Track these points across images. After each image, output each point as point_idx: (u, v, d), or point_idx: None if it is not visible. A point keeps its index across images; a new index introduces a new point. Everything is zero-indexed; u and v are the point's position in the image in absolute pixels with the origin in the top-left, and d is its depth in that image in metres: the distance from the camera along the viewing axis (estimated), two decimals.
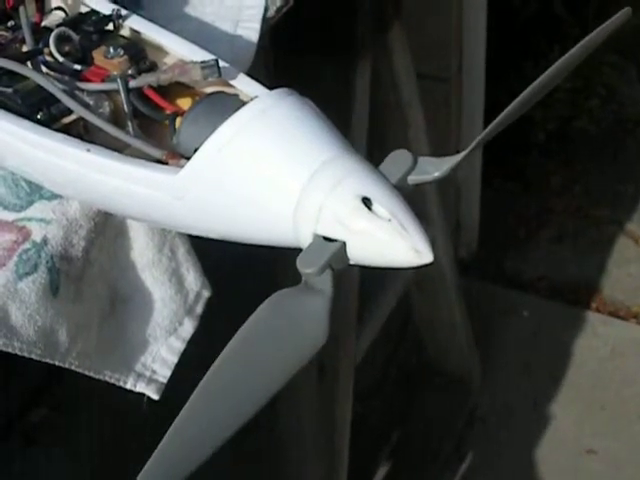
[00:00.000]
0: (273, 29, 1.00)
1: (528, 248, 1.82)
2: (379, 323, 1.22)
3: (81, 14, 0.63)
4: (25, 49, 0.60)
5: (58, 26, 0.61)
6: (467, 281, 1.69)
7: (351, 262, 0.44)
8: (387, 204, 0.43)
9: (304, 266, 0.42)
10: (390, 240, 0.42)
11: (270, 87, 0.53)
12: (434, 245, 1.05)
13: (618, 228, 1.82)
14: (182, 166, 0.47)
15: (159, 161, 0.50)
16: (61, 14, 0.64)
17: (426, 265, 0.42)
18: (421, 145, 1.18)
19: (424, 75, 1.49)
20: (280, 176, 0.44)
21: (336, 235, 0.43)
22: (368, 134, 1.07)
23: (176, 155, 0.49)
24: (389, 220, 0.43)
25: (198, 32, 0.72)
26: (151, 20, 0.71)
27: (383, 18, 1.01)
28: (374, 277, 1.20)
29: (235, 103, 0.49)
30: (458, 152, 1.39)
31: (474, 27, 1.52)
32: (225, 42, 0.71)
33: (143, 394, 0.67)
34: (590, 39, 0.51)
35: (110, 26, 0.61)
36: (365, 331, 1.19)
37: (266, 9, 0.74)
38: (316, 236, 0.43)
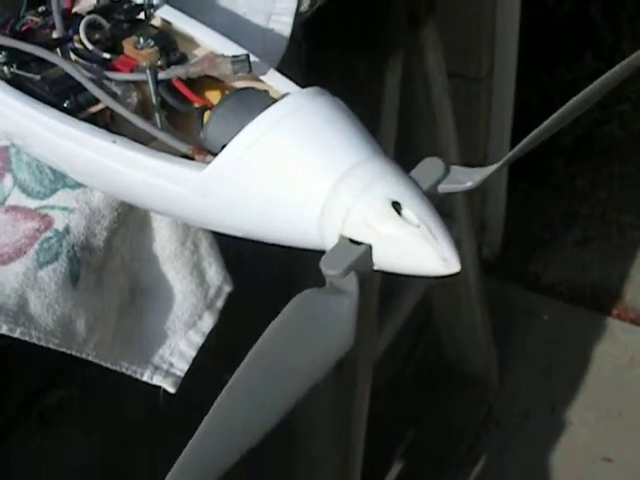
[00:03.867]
0: (306, 23, 1.00)
1: (552, 251, 1.80)
2: (399, 321, 1.21)
3: (112, 2, 0.62)
4: (55, 35, 0.60)
5: (89, 13, 0.60)
6: (489, 282, 1.68)
7: (376, 267, 0.43)
8: (417, 210, 0.42)
9: (328, 267, 0.41)
10: (418, 246, 0.41)
11: (300, 84, 0.53)
12: (460, 247, 1.04)
13: None
14: (208, 162, 0.46)
15: (185, 156, 0.49)
16: (92, 1, 0.64)
17: (452, 275, 0.41)
18: (450, 145, 1.17)
19: (454, 74, 1.48)
20: (308, 177, 0.44)
21: (363, 238, 0.42)
22: (397, 131, 1.06)
23: (203, 151, 0.48)
24: (418, 226, 0.42)
25: (229, 24, 0.72)
26: (182, 10, 0.70)
27: (416, 16, 1.00)
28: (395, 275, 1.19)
29: (265, 100, 0.48)
30: (487, 155, 1.39)
31: (507, 27, 1.50)
32: (256, 35, 0.71)
33: (159, 387, 0.67)
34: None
35: (141, 15, 0.60)
36: (385, 329, 1.18)
37: (299, 3, 0.73)
38: (342, 238, 0.43)
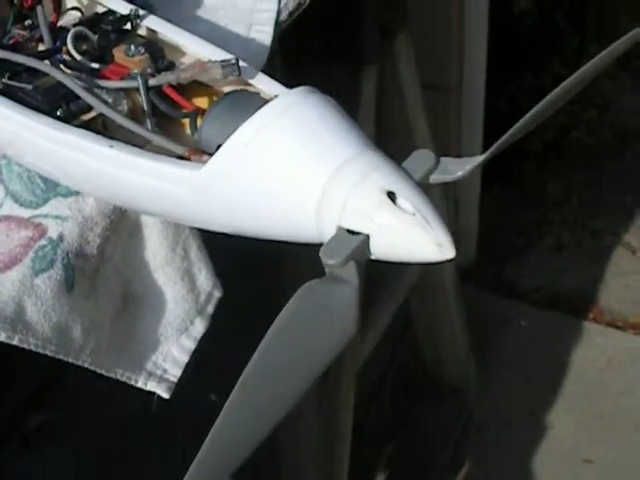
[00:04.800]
0: (281, 33, 1.01)
1: (526, 258, 1.82)
2: (381, 329, 1.22)
3: (98, 14, 0.63)
4: (42, 48, 0.61)
5: (75, 25, 0.61)
6: (465, 290, 1.69)
7: (373, 256, 0.44)
8: (412, 199, 0.43)
9: (327, 257, 0.43)
10: (414, 234, 0.43)
11: (288, 86, 0.54)
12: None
13: (615, 239, 1.83)
14: (204, 162, 0.48)
15: (181, 157, 0.50)
16: (77, 14, 0.65)
17: (448, 261, 0.43)
18: None
19: (425, 85, 1.50)
20: (304, 172, 0.45)
21: (360, 228, 0.43)
22: (374, 139, 1.08)
23: (198, 151, 0.49)
24: (413, 214, 0.43)
25: (210, 35, 0.72)
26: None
27: (390, 27, 1.02)
28: (375, 283, 1.21)
29: (258, 101, 0.49)
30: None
31: (475, 37, 1.53)
32: (238, 45, 0.72)
33: (153, 393, 0.67)
34: (604, 55, 0.51)
35: (128, 25, 0.61)
36: (367, 337, 1.19)
37: (279, 13, 0.74)
38: (339, 228, 0.44)
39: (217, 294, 0.70)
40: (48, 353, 0.59)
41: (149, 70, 0.57)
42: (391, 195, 0.44)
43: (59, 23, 0.64)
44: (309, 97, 0.48)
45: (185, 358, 0.68)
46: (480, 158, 0.45)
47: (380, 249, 0.44)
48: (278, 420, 0.40)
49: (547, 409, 1.59)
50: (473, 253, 1.76)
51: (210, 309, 0.70)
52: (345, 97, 1.00)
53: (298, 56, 0.99)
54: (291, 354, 0.41)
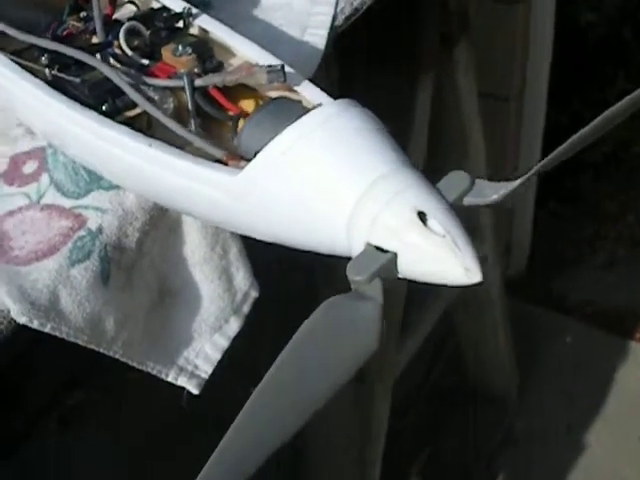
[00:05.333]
0: (340, 36, 1.01)
1: (578, 273, 1.80)
2: (420, 338, 1.22)
3: (152, 9, 0.64)
4: (95, 41, 0.61)
5: (129, 20, 0.62)
6: (513, 301, 1.68)
7: (400, 275, 0.44)
8: (442, 220, 0.43)
9: (354, 273, 0.43)
10: (442, 256, 0.42)
11: (333, 96, 0.54)
12: (485, 264, 1.04)
13: None
14: (242, 168, 0.48)
15: (219, 161, 0.50)
16: (133, 8, 0.65)
17: (474, 285, 0.42)
18: (479, 162, 1.18)
19: (485, 93, 1.49)
20: (338, 185, 0.45)
21: (389, 246, 0.43)
22: (427, 147, 1.07)
23: (236, 156, 0.49)
24: (443, 236, 0.43)
25: (265, 35, 0.73)
26: (220, 20, 0.72)
27: (450, 35, 1.01)
28: (417, 293, 1.20)
29: (298, 110, 0.49)
30: (516, 174, 1.39)
31: (540, 47, 1.51)
32: (291, 47, 0.72)
33: (183, 388, 0.68)
34: None
35: (180, 24, 0.62)
36: (406, 345, 1.19)
37: (335, 17, 0.74)
38: (368, 245, 0.44)
39: (254, 294, 0.70)
40: (80, 342, 0.59)
41: (196, 70, 0.57)
42: (422, 215, 0.43)
43: (114, 16, 0.65)
44: (349, 110, 0.47)
45: (218, 356, 0.69)
46: (516, 183, 0.45)
47: (407, 268, 0.44)
48: (293, 432, 0.40)
49: (585, 427, 1.57)
50: (524, 265, 1.75)
51: (246, 309, 0.70)
52: (400, 104, 1.00)
53: (353, 61, 0.99)
54: (309, 368, 0.41)
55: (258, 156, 0.47)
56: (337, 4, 0.75)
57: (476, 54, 1.43)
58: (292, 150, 0.46)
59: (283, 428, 0.40)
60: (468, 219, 1.21)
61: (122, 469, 1.46)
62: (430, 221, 0.43)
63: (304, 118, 0.46)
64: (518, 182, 0.45)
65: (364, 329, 0.42)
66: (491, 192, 0.45)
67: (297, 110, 0.49)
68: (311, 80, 0.70)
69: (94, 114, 0.54)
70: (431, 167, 1.07)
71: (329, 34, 0.73)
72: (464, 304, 1.42)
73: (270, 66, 0.53)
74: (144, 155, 0.51)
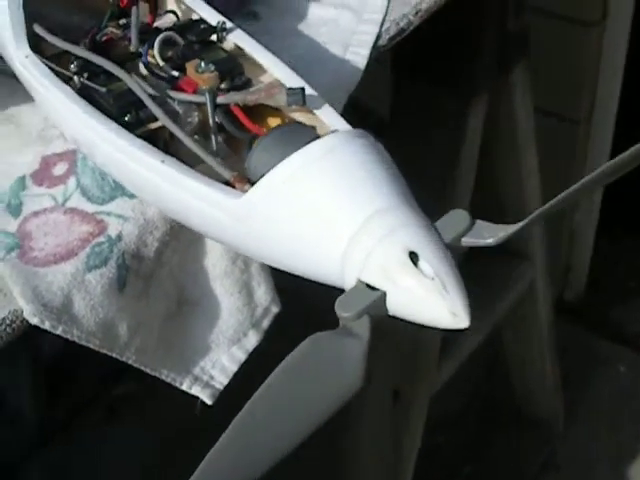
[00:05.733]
0: (396, 55, 1.01)
1: (637, 303, 1.77)
2: (462, 357, 1.21)
3: (191, 21, 0.64)
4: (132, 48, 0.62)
5: (166, 30, 0.62)
6: (568, 325, 1.66)
7: (390, 313, 0.44)
8: (433, 262, 0.42)
9: (342, 309, 0.42)
10: (429, 299, 0.42)
11: (355, 122, 0.54)
12: (533, 288, 1.02)
13: None
14: (246, 191, 0.48)
15: (228, 182, 0.50)
16: (173, 18, 0.66)
17: (461, 330, 0.42)
18: (533, 188, 1.16)
19: (551, 113, 1.47)
20: (334, 217, 0.45)
21: (378, 284, 0.43)
22: (479, 169, 1.06)
23: (244, 179, 0.50)
24: (432, 279, 0.42)
25: (308, 50, 0.73)
26: (267, 31, 0.72)
27: (508, 56, 1.00)
28: None
29: (309, 136, 0.49)
30: (577, 200, 1.35)
31: (611, 71, 1.48)
32: (332, 65, 0.72)
33: (197, 397, 0.68)
34: None
35: (214, 37, 0.62)
36: (445, 366, 1.18)
37: (379, 36, 0.74)
38: (359, 282, 0.43)
39: (275, 309, 0.70)
40: (91, 346, 0.60)
41: (224, 85, 0.57)
42: (414, 255, 0.43)
43: (155, 24, 0.65)
44: (355, 141, 0.47)
45: (234, 368, 0.69)
46: (515, 227, 0.44)
47: (396, 308, 0.43)
48: (265, 469, 0.40)
49: (632, 458, 1.54)
50: (582, 290, 1.72)
51: (266, 323, 0.70)
52: (452, 123, 1.00)
53: (410, 77, 0.99)
54: (290, 402, 0.41)
55: (260, 182, 0.47)
56: (383, 24, 0.74)
57: (544, 72, 1.42)
58: (293, 179, 0.46)
59: (255, 464, 0.40)
60: (517, 240, 1.19)
61: (153, 458, 1.47)
62: (421, 262, 0.43)
63: (307, 147, 0.46)
64: (517, 226, 0.44)
65: (348, 367, 0.41)
66: (489, 234, 0.45)
67: (307, 136, 0.49)
68: (350, 99, 0.71)
69: (114, 125, 0.54)
70: (480, 192, 1.07)
71: (371, 54, 0.72)
72: (514, 325, 1.40)
73: (290, 88, 0.53)
74: (157, 170, 0.52)
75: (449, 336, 1.16)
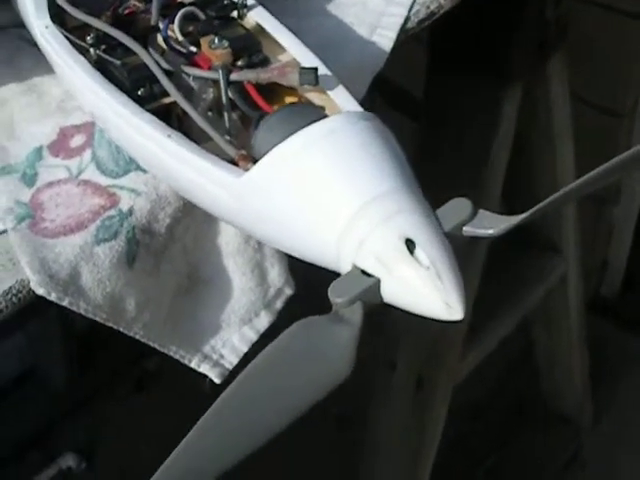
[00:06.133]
0: (433, 39, 1.00)
1: None
2: (485, 352, 1.20)
3: None
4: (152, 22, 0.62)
5: (188, 5, 0.62)
6: (603, 322, 1.64)
7: (385, 301, 0.43)
8: (430, 251, 0.42)
9: (335, 295, 0.42)
10: (423, 289, 0.41)
11: (367, 106, 0.53)
12: (565, 283, 1.01)
13: None
14: (248, 170, 0.47)
15: (233, 160, 0.50)
16: None
17: (454, 322, 0.41)
18: (568, 179, 1.14)
19: (593, 104, 1.45)
20: (331, 201, 0.44)
21: (373, 271, 0.42)
22: (514, 159, 1.05)
23: (248, 157, 0.49)
24: (427, 268, 0.41)
25: (335, 30, 0.72)
26: (295, 10, 0.72)
27: (547, 46, 0.98)
28: (489, 302, 1.18)
29: (315, 116, 0.48)
30: (618, 191, 1.34)
31: None
32: (358, 45, 0.71)
33: (205, 376, 0.68)
34: None
35: (234, 14, 0.61)
36: (468, 357, 1.17)
37: (407, 19, 0.73)
38: (354, 267, 0.43)
39: (288, 291, 0.70)
40: (98, 319, 0.60)
41: (240, 63, 0.57)
42: (410, 243, 0.42)
43: None
44: (359, 123, 0.46)
45: (244, 348, 0.69)
46: (518, 218, 0.43)
47: (390, 296, 0.42)
48: (246, 453, 0.39)
49: None
50: (617, 287, 1.70)
51: (279, 305, 0.70)
52: (485, 111, 0.98)
53: (445, 63, 0.98)
54: (275, 385, 0.40)
55: (261, 161, 0.46)
56: (412, 7, 0.73)
57: (591, 65, 1.39)
58: (292, 159, 0.45)
59: (236, 447, 0.39)
60: (551, 234, 1.18)
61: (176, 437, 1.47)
62: (417, 250, 0.42)
63: (309, 128, 0.45)
64: (520, 217, 0.43)
65: (337, 353, 0.41)
66: (490, 224, 0.43)
67: (313, 116, 0.48)
68: (374, 80, 0.70)
69: (124, 98, 0.54)
70: (514, 182, 1.06)
71: (398, 36, 0.71)
72: (544, 318, 1.39)
73: (303, 68, 0.53)
74: (163, 145, 0.51)
75: (476, 325, 1.15)
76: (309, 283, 0.71)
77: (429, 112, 1.03)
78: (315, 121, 0.47)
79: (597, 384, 1.54)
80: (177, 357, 0.67)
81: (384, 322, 1.09)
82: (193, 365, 0.67)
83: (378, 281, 0.42)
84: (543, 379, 1.50)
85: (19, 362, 1.60)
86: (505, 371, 1.59)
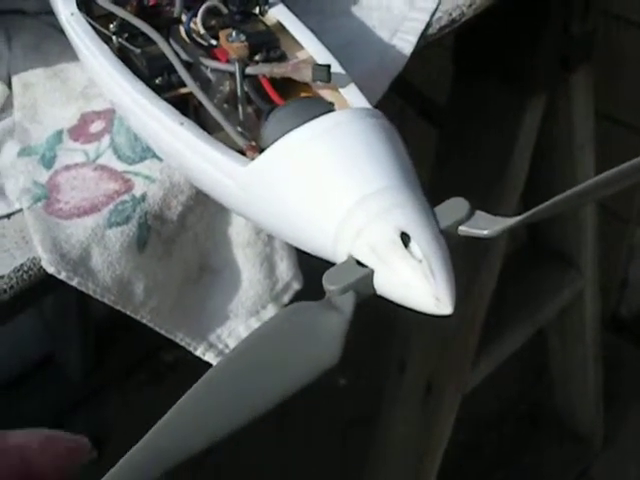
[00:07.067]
0: (458, 47, 1.00)
1: None
2: (497, 361, 1.20)
3: None
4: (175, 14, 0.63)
5: None
6: (620, 341, 1.64)
7: (377, 292, 0.44)
8: (423, 245, 0.42)
9: (328, 282, 0.42)
10: (414, 281, 0.42)
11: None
12: (581, 299, 1.01)
13: None
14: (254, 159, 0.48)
15: (243, 150, 0.51)
16: None
17: (444, 317, 0.42)
18: None
19: (622, 122, 1.45)
20: (331, 193, 0.45)
21: (367, 262, 0.43)
22: (534, 171, 1.06)
23: (256, 148, 0.50)
24: (420, 261, 0.42)
25: (357, 32, 0.73)
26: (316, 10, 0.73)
27: (570, 60, 0.99)
28: (503, 312, 1.19)
29: (323, 110, 0.49)
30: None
31: None
32: (378, 48, 0.72)
33: (210, 364, 0.69)
34: None
35: (256, 10, 0.62)
36: (484, 362, 1.17)
37: (429, 25, 0.74)
38: (350, 257, 0.44)
39: (296, 286, 0.71)
40: (106, 301, 0.61)
41: (258, 57, 0.58)
42: (406, 237, 0.43)
43: None
44: (364, 119, 0.47)
45: None
46: (514, 220, 0.44)
47: (382, 287, 0.43)
48: (230, 431, 0.40)
49: None
50: (637, 307, 1.69)
51: (286, 299, 0.71)
52: (507, 122, 0.99)
53: (468, 71, 0.98)
54: (262, 364, 0.41)
55: (265, 152, 0.47)
56: (434, 13, 0.74)
57: (619, 81, 1.39)
58: (297, 150, 0.46)
59: (216, 427, 0.39)
60: (569, 249, 1.17)
61: None
62: (411, 243, 0.43)
63: (314, 121, 0.46)
64: (516, 220, 0.44)
65: (326, 339, 0.41)
66: (486, 225, 0.44)
67: (321, 110, 0.49)
68: (392, 84, 0.71)
69: (141, 85, 0.55)
70: (534, 194, 1.06)
71: (419, 41, 0.72)
72: (560, 333, 1.39)
73: (317, 64, 0.54)
74: (176, 133, 0.52)
75: (488, 334, 1.16)
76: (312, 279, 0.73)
77: (451, 119, 1.04)
78: (322, 114, 0.48)
79: (611, 403, 1.54)
80: (183, 344, 0.68)
81: (396, 323, 1.09)
82: (198, 353, 0.69)
83: (372, 272, 0.43)
84: (557, 393, 1.50)
85: (37, 349, 1.62)
86: (521, 383, 1.59)
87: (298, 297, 0.71)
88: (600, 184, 0.45)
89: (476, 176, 1.00)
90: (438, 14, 0.74)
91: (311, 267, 0.70)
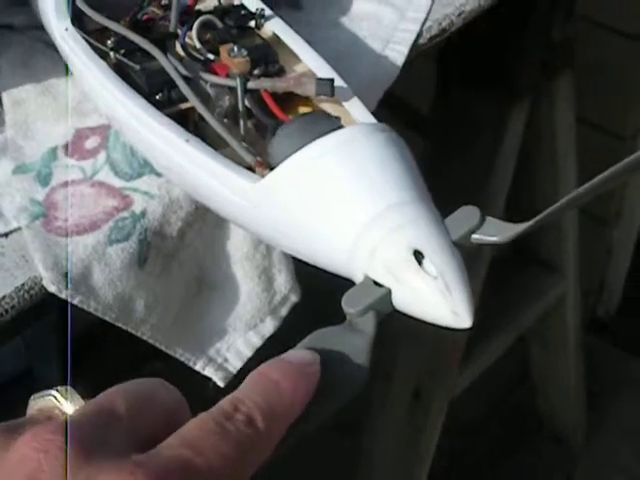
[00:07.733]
0: (441, 56, 1.01)
1: None
2: (485, 363, 1.21)
3: (233, 6, 0.65)
4: (171, 29, 0.63)
5: (206, 13, 0.63)
6: (598, 343, 1.65)
7: (397, 309, 0.44)
8: (437, 262, 0.42)
9: (348, 305, 0.42)
10: (431, 298, 0.42)
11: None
12: (563, 303, 1.01)
13: None
14: (265, 177, 0.48)
15: (251, 167, 0.51)
16: (215, 2, 0.66)
17: (464, 330, 0.42)
18: None
19: (598, 126, 1.46)
20: (345, 210, 0.45)
21: (383, 281, 0.43)
22: (517, 178, 1.06)
23: (264, 164, 0.50)
24: (435, 278, 0.42)
25: (348, 43, 0.73)
26: (309, 22, 0.73)
27: (551, 65, 0.99)
28: (484, 323, 1.19)
29: (331, 126, 0.49)
30: (619, 214, 1.35)
31: None
32: (370, 59, 0.72)
33: (209, 379, 0.69)
34: None
35: (252, 24, 0.62)
36: (469, 368, 1.18)
37: (419, 35, 0.74)
38: (366, 277, 0.44)
39: (294, 298, 0.71)
40: (107, 319, 0.61)
41: (256, 72, 0.58)
42: (419, 254, 0.43)
43: (197, 6, 0.66)
44: (375, 135, 0.47)
45: (249, 353, 0.69)
46: (524, 226, 0.44)
47: (401, 305, 0.43)
48: None
49: None
50: (614, 308, 1.71)
51: (284, 311, 0.71)
52: (491, 129, 0.99)
53: (451, 79, 0.99)
54: None
55: (276, 169, 0.47)
56: (424, 22, 0.74)
57: (597, 86, 1.40)
58: (309, 167, 0.46)
59: None
60: (551, 253, 1.18)
61: None
62: (425, 261, 0.43)
63: (326, 138, 0.46)
64: (524, 226, 0.44)
65: (354, 361, 0.41)
66: (496, 232, 0.44)
67: (329, 126, 0.49)
68: (384, 96, 0.71)
69: (142, 101, 0.55)
70: (517, 201, 1.07)
71: (410, 52, 0.72)
72: (541, 337, 1.40)
73: (319, 79, 0.54)
74: (181, 150, 0.52)
75: (473, 340, 1.16)
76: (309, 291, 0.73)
77: (436, 126, 1.04)
78: (332, 131, 0.47)
79: (594, 405, 1.55)
80: (183, 359, 0.68)
81: (382, 334, 1.09)
82: (198, 368, 0.68)
83: (389, 291, 0.43)
84: (540, 398, 1.50)
85: (15, 364, 1.60)
86: (504, 388, 1.60)
87: (295, 308, 0.71)
88: (603, 180, 0.45)
89: (461, 183, 1.01)
90: (428, 23, 0.75)
91: (309, 279, 0.70)
